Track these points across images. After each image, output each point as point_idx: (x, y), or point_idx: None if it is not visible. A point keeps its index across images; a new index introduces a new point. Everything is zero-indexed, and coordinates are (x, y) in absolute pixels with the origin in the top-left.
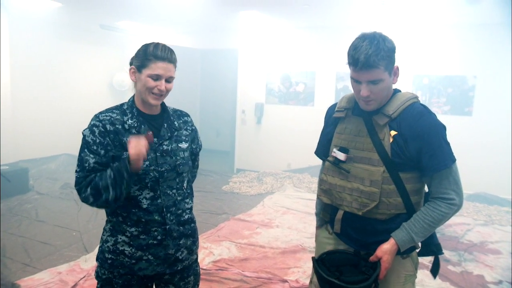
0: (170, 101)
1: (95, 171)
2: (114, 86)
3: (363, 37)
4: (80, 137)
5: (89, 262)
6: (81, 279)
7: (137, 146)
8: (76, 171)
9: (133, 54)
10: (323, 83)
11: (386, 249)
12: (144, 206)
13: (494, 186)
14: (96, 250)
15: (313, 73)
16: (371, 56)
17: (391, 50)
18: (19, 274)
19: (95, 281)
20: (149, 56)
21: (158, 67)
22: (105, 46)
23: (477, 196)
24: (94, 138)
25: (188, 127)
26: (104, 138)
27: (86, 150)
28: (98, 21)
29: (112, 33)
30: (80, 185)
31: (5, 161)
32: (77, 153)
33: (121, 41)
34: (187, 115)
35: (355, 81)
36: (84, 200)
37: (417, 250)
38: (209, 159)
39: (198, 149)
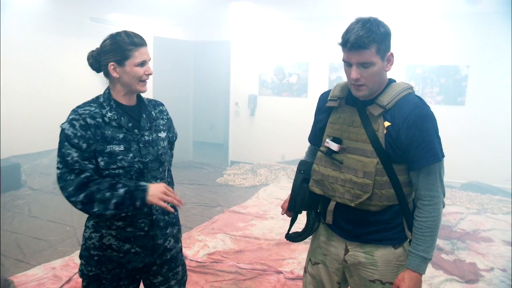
0: (163, 95)
1: (80, 167)
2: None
3: (357, 20)
4: None
5: None
6: (75, 274)
7: (158, 194)
8: (58, 168)
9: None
10: (317, 74)
11: (402, 276)
12: None
13: (487, 175)
14: None
15: (306, 64)
16: (361, 37)
17: (384, 34)
18: (12, 270)
19: None
20: (128, 45)
21: (142, 53)
22: (96, 39)
23: (470, 185)
24: (75, 131)
25: (164, 116)
26: (85, 132)
27: (66, 144)
28: (89, 14)
29: (103, 26)
30: (66, 183)
31: None
32: None
33: None
34: (162, 104)
35: (347, 64)
36: (71, 203)
37: (409, 240)
38: (203, 152)
39: (174, 138)
